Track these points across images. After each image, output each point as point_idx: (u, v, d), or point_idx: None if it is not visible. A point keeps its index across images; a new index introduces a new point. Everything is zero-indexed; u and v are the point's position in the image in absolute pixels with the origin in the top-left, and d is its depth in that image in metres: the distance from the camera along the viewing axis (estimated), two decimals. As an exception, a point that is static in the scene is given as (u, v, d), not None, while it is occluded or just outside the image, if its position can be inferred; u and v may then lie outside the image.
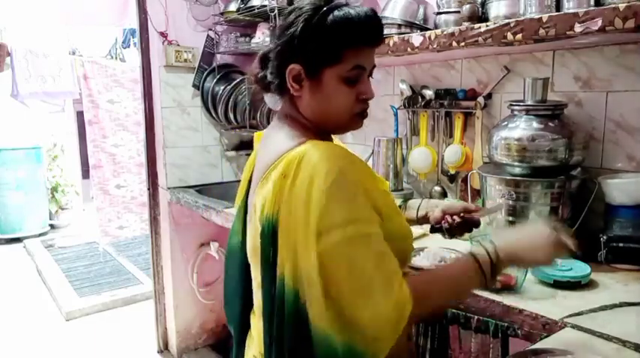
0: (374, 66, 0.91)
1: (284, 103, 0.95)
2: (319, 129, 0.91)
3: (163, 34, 2.49)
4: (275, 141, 0.90)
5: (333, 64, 0.84)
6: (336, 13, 0.83)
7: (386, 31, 1.67)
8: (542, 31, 1.18)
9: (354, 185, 0.79)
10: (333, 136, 1.00)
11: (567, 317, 0.98)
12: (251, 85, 2.42)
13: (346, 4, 0.86)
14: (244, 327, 1.03)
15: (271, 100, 2.32)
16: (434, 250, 1.31)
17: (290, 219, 0.79)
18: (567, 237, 0.91)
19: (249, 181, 0.99)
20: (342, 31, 0.83)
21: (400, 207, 1.21)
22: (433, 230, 1.13)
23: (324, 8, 0.84)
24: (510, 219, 1.35)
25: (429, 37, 1.46)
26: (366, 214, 0.80)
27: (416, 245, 1.25)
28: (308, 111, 0.90)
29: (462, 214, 1.11)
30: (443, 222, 1.11)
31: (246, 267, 0.98)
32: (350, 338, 0.76)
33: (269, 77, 0.92)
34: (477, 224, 1.12)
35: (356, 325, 0.76)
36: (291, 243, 0.79)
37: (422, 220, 1.18)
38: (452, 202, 1.20)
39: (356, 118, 0.91)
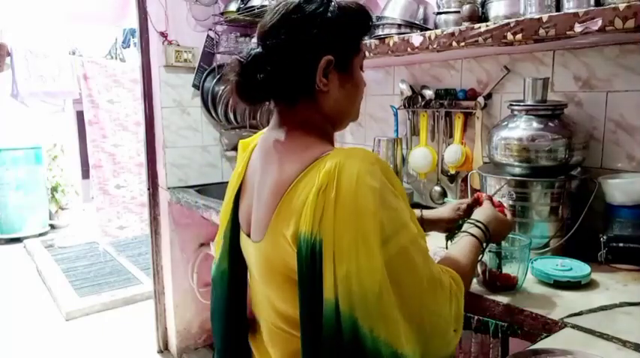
0: None
1: (293, 109, 0.86)
2: (332, 131, 0.88)
3: (163, 34, 2.49)
4: (292, 150, 0.82)
5: (357, 52, 0.86)
6: (342, 5, 0.83)
7: (386, 31, 1.68)
8: (542, 31, 1.18)
9: (394, 189, 0.76)
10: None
11: (567, 317, 0.98)
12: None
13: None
14: (226, 344, 1.02)
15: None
16: (433, 250, 1.30)
17: (342, 236, 0.71)
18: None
19: (236, 198, 0.94)
20: (358, 21, 0.85)
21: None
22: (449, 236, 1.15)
23: (332, 2, 0.83)
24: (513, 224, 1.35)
25: (429, 37, 1.46)
26: (410, 216, 0.78)
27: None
28: (333, 107, 0.85)
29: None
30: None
31: (236, 290, 0.98)
32: (429, 348, 0.75)
33: (289, 81, 0.83)
34: None
35: (430, 330, 0.75)
36: (346, 260, 0.71)
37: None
38: (444, 211, 1.20)
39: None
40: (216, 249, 1.01)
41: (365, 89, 0.93)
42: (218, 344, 1.04)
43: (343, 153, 0.76)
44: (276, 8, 0.83)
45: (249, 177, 0.93)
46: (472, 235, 0.97)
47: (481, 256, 0.99)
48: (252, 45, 0.86)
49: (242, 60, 0.84)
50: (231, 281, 0.97)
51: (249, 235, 0.88)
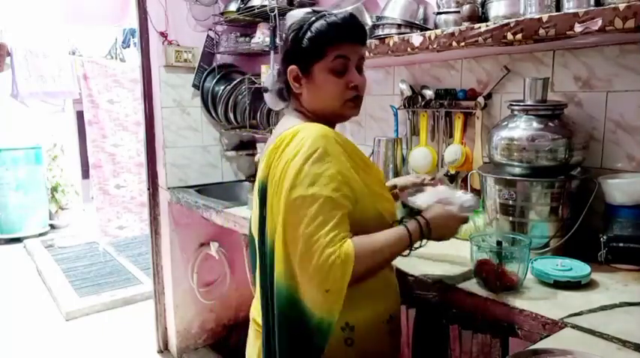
0: (361, 58, 1.09)
1: (292, 102, 1.14)
2: (320, 120, 1.08)
3: (163, 34, 2.49)
4: (281, 127, 1.09)
5: (319, 58, 1.04)
6: (320, 20, 1.04)
7: (386, 31, 1.68)
8: (542, 31, 1.18)
9: (328, 159, 0.97)
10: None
11: (567, 317, 0.98)
12: (251, 85, 2.42)
13: (330, 13, 1.06)
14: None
15: (271, 100, 2.33)
16: (439, 189, 1.29)
17: (274, 180, 0.99)
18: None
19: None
20: (322, 31, 1.03)
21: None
22: (404, 205, 1.26)
23: (312, 18, 1.05)
24: (510, 219, 1.36)
25: (429, 37, 1.46)
26: (332, 183, 0.95)
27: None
28: (308, 104, 1.09)
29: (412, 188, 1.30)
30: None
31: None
32: (294, 287, 0.96)
33: (279, 85, 1.13)
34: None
35: (299, 276, 0.96)
36: (271, 199, 1.00)
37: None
38: (403, 178, 1.41)
39: (348, 104, 1.08)
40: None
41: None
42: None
43: (305, 124, 1.03)
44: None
45: None
46: (404, 225, 1.05)
47: (410, 249, 1.06)
48: None
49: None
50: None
51: None
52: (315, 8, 1.15)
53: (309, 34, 1.04)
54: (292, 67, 1.07)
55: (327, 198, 0.94)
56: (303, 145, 0.97)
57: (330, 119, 1.11)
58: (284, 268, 0.97)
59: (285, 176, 0.96)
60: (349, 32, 1.06)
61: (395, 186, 1.35)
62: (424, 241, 1.08)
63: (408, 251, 1.06)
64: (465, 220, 1.13)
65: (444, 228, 1.09)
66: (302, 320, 0.97)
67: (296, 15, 1.96)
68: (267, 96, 2.22)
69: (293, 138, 1.00)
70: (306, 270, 0.93)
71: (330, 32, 1.04)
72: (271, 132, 1.17)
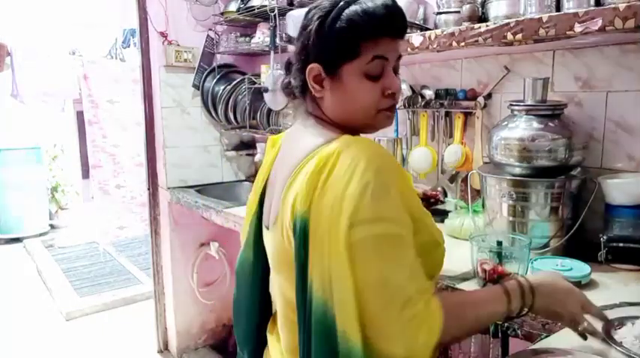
0: (399, 57, 0.88)
1: (307, 104, 0.91)
2: (346, 129, 0.87)
3: (163, 34, 2.49)
4: (303, 139, 0.86)
5: (352, 58, 0.81)
6: (352, 7, 0.80)
7: (386, 31, 1.68)
8: (542, 31, 1.18)
9: (390, 185, 0.75)
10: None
11: (567, 317, 0.98)
12: (251, 85, 2.42)
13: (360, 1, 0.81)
14: (261, 347, 0.98)
15: (271, 100, 2.33)
16: None
17: (322, 216, 0.74)
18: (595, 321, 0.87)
19: (264, 188, 0.95)
20: (357, 23, 0.79)
21: None
22: None
23: (341, 3, 0.81)
24: (510, 219, 1.36)
25: (429, 37, 1.46)
26: (400, 216, 0.75)
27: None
28: (331, 112, 0.87)
29: None
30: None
31: (262, 282, 0.96)
32: (374, 350, 0.72)
33: (292, 82, 0.90)
34: None
35: (385, 336, 0.71)
36: (320, 241, 0.74)
37: None
38: None
39: (384, 115, 0.87)
40: (242, 238, 1.01)
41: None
42: (250, 350, 1.01)
43: (348, 140, 0.78)
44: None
45: (275, 171, 0.94)
46: (503, 285, 0.84)
47: (510, 314, 0.82)
48: None
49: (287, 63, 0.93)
50: (255, 270, 0.97)
51: (267, 226, 0.90)
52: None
53: (339, 24, 0.80)
54: (313, 65, 0.83)
55: (397, 236, 0.74)
56: (357, 169, 0.73)
57: (357, 130, 0.90)
58: (357, 317, 0.72)
59: (341, 211, 0.72)
60: (391, 24, 0.82)
61: None
62: (525, 310, 0.83)
63: (506, 318, 0.83)
64: (586, 304, 0.87)
65: (554, 298, 0.84)
66: None
67: (297, 15, 1.96)
68: (267, 96, 2.22)
69: (337, 159, 0.75)
70: (391, 324, 0.71)
71: (368, 24, 0.80)
72: (271, 132, 1.08)
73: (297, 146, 0.86)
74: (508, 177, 1.35)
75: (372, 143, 0.80)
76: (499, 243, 1.16)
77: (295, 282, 0.80)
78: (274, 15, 2.10)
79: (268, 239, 0.90)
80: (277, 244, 0.85)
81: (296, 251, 0.78)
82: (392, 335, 0.71)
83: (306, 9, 0.89)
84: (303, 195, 0.76)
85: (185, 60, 2.54)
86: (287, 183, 0.82)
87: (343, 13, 0.80)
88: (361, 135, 0.90)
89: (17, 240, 5.33)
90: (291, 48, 0.97)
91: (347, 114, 0.86)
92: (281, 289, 0.89)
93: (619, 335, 0.86)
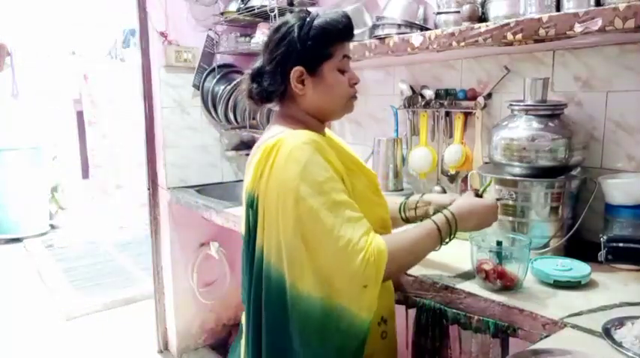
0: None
1: (282, 107, 1.11)
2: (317, 121, 1.09)
3: (163, 34, 2.49)
4: (264, 136, 1.07)
5: (329, 58, 1.04)
6: (318, 19, 1.02)
7: (386, 31, 1.68)
8: (542, 31, 1.18)
9: (320, 163, 0.96)
10: (329, 131, 1.19)
11: (567, 317, 0.98)
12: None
13: (321, 14, 1.04)
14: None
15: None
16: None
17: (269, 196, 0.97)
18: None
19: None
20: (329, 31, 1.03)
21: (402, 205, 1.29)
22: None
23: (307, 19, 1.03)
24: (510, 219, 1.36)
25: (429, 37, 1.46)
26: (336, 186, 0.96)
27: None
28: (311, 106, 1.07)
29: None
30: None
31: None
32: (329, 294, 0.93)
33: (269, 88, 1.06)
34: None
35: (336, 280, 0.93)
36: (269, 218, 0.97)
37: (422, 219, 1.24)
38: (440, 197, 1.29)
39: (350, 101, 1.10)
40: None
41: (363, 88, 1.08)
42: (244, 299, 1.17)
43: (287, 133, 1.00)
44: (271, 27, 1.07)
45: None
46: (431, 219, 1.05)
47: (441, 243, 1.04)
48: (259, 58, 1.11)
49: (249, 71, 1.10)
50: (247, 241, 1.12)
51: None
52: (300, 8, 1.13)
53: (313, 32, 1.02)
54: (298, 67, 1.03)
55: (336, 202, 0.94)
56: (292, 155, 0.95)
57: (327, 118, 1.12)
58: (314, 280, 0.94)
59: (286, 191, 0.94)
60: (349, 30, 1.06)
61: (428, 203, 1.27)
62: (453, 234, 1.07)
63: (439, 246, 1.05)
64: (496, 207, 1.14)
65: (472, 216, 1.09)
66: (339, 325, 0.95)
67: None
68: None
69: (279, 149, 0.97)
70: (347, 272, 0.92)
71: (337, 30, 1.03)
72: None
73: (259, 142, 1.07)
74: (508, 177, 1.36)
75: (308, 133, 1.00)
76: (499, 243, 1.16)
77: (243, 244, 1.07)
78: (274, 15, 2.10)
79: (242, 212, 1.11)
80: (243, 218, 1.08)
81: (245, 220, 1.05)
82: (351, 277, 0.92)
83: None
84: (252, 177, 1.01)
85: (185, 60, 2.54)
86: (246, 168, 1.07)
87: (315, 25, 1.01)
88: (326, 124, 1.15)
89: (17, 240, 5.33)
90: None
91: (326, 104, 1.08)
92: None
93: (619, 335, 0.87)
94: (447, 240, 1.06)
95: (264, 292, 1.00)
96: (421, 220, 1.21)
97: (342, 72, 1.07)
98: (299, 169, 0.94)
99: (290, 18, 1.05)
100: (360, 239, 0.92)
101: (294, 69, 1.03)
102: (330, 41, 1.03)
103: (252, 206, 1.01)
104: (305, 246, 0.93)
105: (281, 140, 0.98)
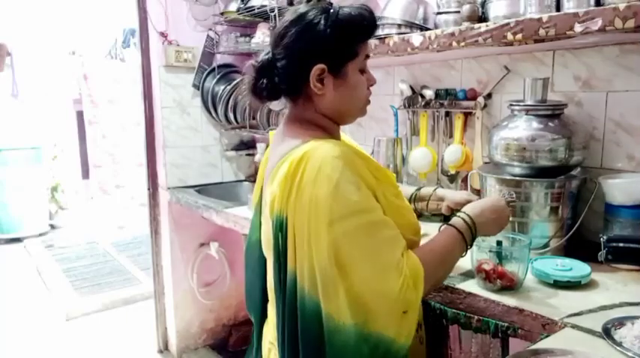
0: None
1: (294, 107, 1.00)
2: (333, 124, 1.00)
3: (163, 34, 2.49)
4: (282, 141, 0.98)
5: (353, 58, 0.95)
6: (342, 14, 0.92)
7: (386, 31, 1.68)
8: (542, 31, 1.18)
9: (354, 180, 0.87)
10: (342, 134, 1.09)
11: (567, 317, 0.98)
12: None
13: (342, 6, 0.94)
14: (264, 316, 1.10)
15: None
16: None
17: (299, 217, 0.86)
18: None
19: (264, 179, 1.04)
20: (356, 28, 0.94)
21: (413, 195, 1.33)
22: (446, 219, 1.21)
23: (331, 11, 0.92)
24: (510, 219, 1.35)
25: (429, 37, 1.46)
26: (371, 204, 0.88)
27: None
28: (328, 107, 0.97)
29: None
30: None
31: (265, 261, 1.04)
32: (365, 320, 0.84)
33: (281, 85, 0.96)
34: None
35: (373, 306, 0.83)
36: (301, 241, 0.86)
37: (433, 212, 1.29)
38: (453, 194, 1.30)
39: (366, 105, 1.03)
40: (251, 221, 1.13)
41: (373, 88, 1.02)
42: (256, 316, 1.12)
43: (314, 145, 0.90)
44: (285, 17, 0.96)
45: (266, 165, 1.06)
46: (454, 226, 1.01)
47: (466, 248, 1.01)
48: (266, 50, 0.99)
49: (255, 64, 0.98)
50: (261, 248, 1.06)
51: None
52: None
53: (340, 29, 0.92)
54: (320, 65, 0.92)
55: (372, 222, 0.86)
56: (323, 172, 0.85)
57: (343, 122, 1.03)
58: (349, 306, 0.83)
59: (318, 212, 0.84)
60: (375, 27, 0.99)
61: (442, 199, 1.26)
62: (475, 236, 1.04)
63: (464, 252, 1.01)
64: (508, 209, 1.10)
65: (490, 225, 1.06)
66: (376, 353, 0.86)
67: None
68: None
69: (307, 164, 0.87)
70: (387, 298, 0.84)
71: (362, 27, 0.95)
72: (271, 133, 1.14)
73: (278, 146, 0.98)
74: (508, 177, 1.36)
75: (336, 144, 0.90)
76: (499, 243, 1.16)
77: (273, 269, 0.94)
78: (274, 15, 2.10)
79: (263, 226, 1.02)
80: (265, 232, 0.98)
81: (274, 243, 0.92)
82: (391, 304, 0.84)
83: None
84: (279, 196, 0.89)
85: (185, 60, 2.54)
86: (268, 181, 0.96)
87: (340, 20, 0.92)
88: (341, 127, 1.05)
89: (17, 240, 5.33)
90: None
91: (345, 107, 0.99)
92: (269, 266, 1.01)
93: (619, 335, 0.87)
94: (469, 247, 1.03)
95: (301, 324, 0.88)
96: (432, 215, 1.26)
97: (363, 72, 0.99)
98: (331, 188, 0.84)
99: (310, 9, 0.93)
100: (398, 262, 0.85)
101: (315, 66, 0.92)
102: (356, 39, 0.95)
103: (282, 229, 0.89)
104: (339, 271, 0.83)
105: (308, 153, 0.88)
